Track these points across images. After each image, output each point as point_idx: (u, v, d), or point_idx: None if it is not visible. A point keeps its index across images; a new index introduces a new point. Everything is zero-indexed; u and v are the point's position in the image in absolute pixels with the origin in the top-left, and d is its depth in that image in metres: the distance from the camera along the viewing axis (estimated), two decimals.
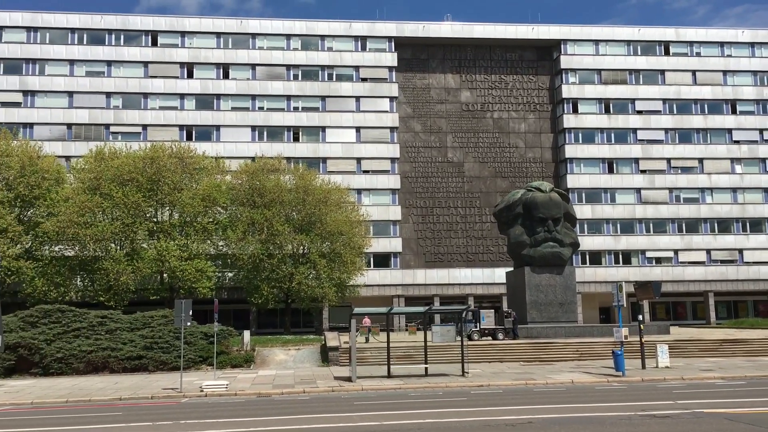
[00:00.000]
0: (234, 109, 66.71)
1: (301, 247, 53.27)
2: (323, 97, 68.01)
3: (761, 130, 71.37)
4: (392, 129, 68.17)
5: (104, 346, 33.69)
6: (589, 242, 66.98)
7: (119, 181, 49.44)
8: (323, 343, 38.34)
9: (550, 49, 72.05)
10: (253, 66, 67.62)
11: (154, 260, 48.56)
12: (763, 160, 70.93)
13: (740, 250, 69.62)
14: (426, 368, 29.60)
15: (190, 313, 27.76)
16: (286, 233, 51.77)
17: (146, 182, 49.74)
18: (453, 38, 70.25)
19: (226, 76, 67.33)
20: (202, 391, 25.21)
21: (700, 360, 34.34)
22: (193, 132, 65.78)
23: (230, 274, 57.26)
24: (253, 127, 66.64)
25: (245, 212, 52.51)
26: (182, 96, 66.28)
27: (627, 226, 69.38)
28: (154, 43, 66.85)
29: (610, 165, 70.09)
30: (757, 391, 22.36)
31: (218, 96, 66.70)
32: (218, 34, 67.68)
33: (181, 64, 66.66)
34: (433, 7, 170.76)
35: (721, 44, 72.74)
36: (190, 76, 66.76)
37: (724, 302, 71.94)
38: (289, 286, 52.49)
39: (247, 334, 38.56)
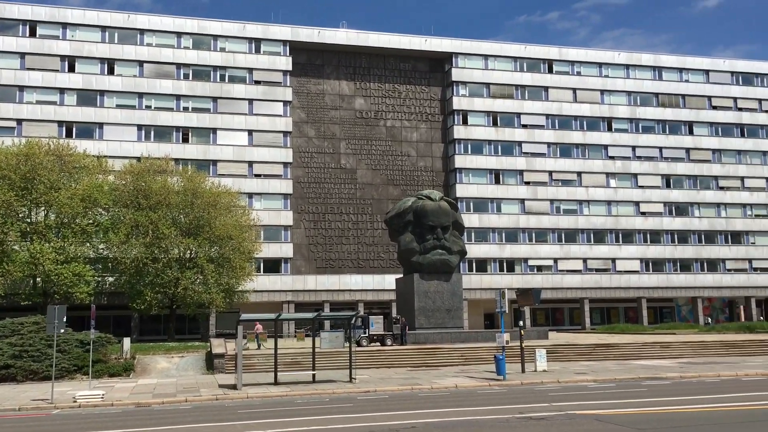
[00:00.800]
0: (119, 106, 63.93)
1: (188, 252, 51.71)
2: (215, 98, 66.48)
3: (633, 147, 76.23)
4: (285, 133, 67.60)
5: None
6: (476, 250, 69.07)
7: None
8: (209, 350, 37.39)
9: (442, 61, 73.89)
10: (141, 63, 65.13)
11: (26, 263, 45.67)
12: (635, 175, 75.75)
13: (613, 260, 73.98)
14: (314, 375, 29.47)
15: (65, 319, 26.33)
16: (173, 237, 50.09)
17: (20, 180, 46.72)
18: (348, 45, 70.62)
19: (111, 71, 64.45)
20: (75, 401, 23.90)
21: (576, 364, 36.13)
22: (74, 129, 62.44)
23: (111, 279, 54.69)
24: (140, 126, 64.12)
25: (129, 214, 50.36)
26: (62, 90, 62.81)
27: (511, 235, 72.10)
28: (33, 34, 63.01)
29: (497, 176, 72.65)
30: (626, 393, 23.78)
31: (102, 92, 63.71)
32: (103, 28, 64.68)
33: (62, 57, 63.19)
34: (328, 14, 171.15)
35: (600, 65, 77.19)
36: (72, 70, 63.40)
37: (598, 309, 76.20)
38: (174, 292, 50.78)
39: (127, 341, 36.99)
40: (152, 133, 64.39)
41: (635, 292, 73.91)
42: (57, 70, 62.83)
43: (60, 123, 62.03)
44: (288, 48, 68.89)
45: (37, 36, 62.97)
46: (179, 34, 66.53)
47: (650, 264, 74.85)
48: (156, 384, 29.54)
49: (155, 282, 50.15)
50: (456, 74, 72.68)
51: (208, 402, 24.20)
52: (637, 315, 74.68)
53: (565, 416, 18.35)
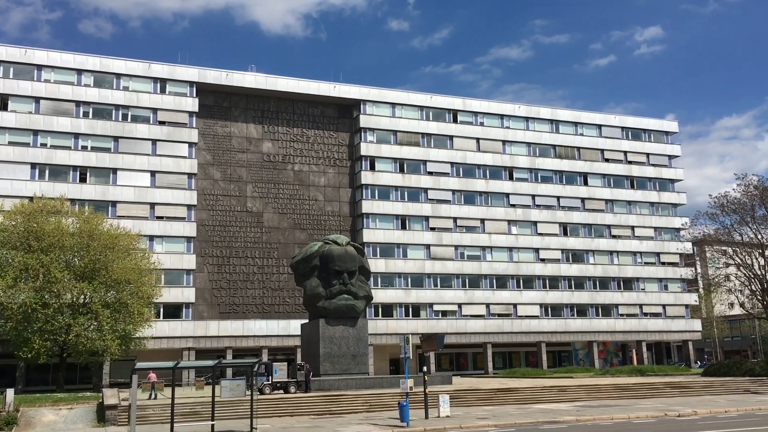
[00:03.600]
0: (12, 143, 60.89)
1: (82, 296, 49.11)
2: (116, 138, 64.51)
3: (533, 196, 79.36)
4: (190, 175, 66.25)
5: None
6: (382, 295, 69.30)
7: None
8: (101, 400, 35.41)
9: (350, 107, 74.95)
10: (37, 99, 62.54)
11: None
12: (535, 223, 78.70)
13: (514, 305, 76.02)
14: (212, 425, 28.43)
15: None
16: (66, 281, 47.55)
17: None
18: (256, 89, 70.52)
19: (4, 107, 61.52)
20: None
21: (478, 408, 36.58)
22: None
23: None
24: (33, 165, 61.19)
25: (18, 256, 47.49)
26: None
27: (417, 280, 72.93)
28: None
29: (403, 221, 73.69)
30: None
31: None
32: None
33: None
34: (237, 56, 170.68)
35: (501, 116, 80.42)
36: None
37: (501, 353, 77.79)
38: (65, 339, 47.98)
39: (10, 392, 34.50)
40: (47, 171, 61.59)
41: (535, 337, 76.00)
42: None
43: None
44: (195, 89, 68.05)
45: None
46: (80, 71, 64.50)
47: (549, 309, 77.39)
48: None
49: (44, 328, 47.19)
50: (364, 121, 73.80)
51: None
52: (537, 359, 76.68)
53: None
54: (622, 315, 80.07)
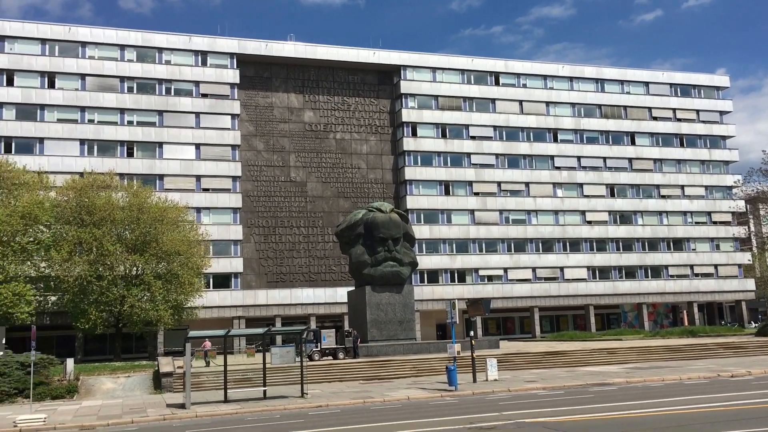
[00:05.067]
0: (60, 120, 62.32)
1: (135, 268, 50.49)
2: (160, 112, 65.42)
3: (579, 158, 77.97)
4: (234, 147, 66.92)
5: None
6: (426, 261, 69.39)
7: None
8: (156, 368, 36.53)
9: (391, 73, 74.36)
10: (83, 76, 63.69)
11: None
12: (580, 185, 77.42)
13: (561, 268, 75.31)
14: (264, 391, 29.07)
15: (4, 341, 25.46)
16: (118, 253, 48.88)
17: None
18: (296, 58, 70.46)
19: (51, 85, 62.84)
20: (15, 426, 23.03)
21: (526, 372, 36.55)
22: (13, 144, 60.58)
23: (53, 298, 52.99)
24: (82, 141, 62.61)
25: (72, 231, 48.96)
26: (0, 105, 60.89)
27: (462, 246, 72.73)
28: None
29: (447, 187, 73.30)
30: (574, 400, 24.16)
31: (42, 106, 62.02)
32: (43, 41, 63.07)
33: (0, 71, 61.32)
34: (276, 26, 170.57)
35: (545, 77, 78.82)
36: (10, 83, 61.56)
37: (548, 317, 77.42)
38: (120, 310, 49.50)
39: (70, 362, 35.86)
40: (95, 147, 62.94)
41: (583, 300, 75.34)
42: None
43: None
44: (235, 61, 68.35)
45: None
46: (123, 47, 65.34)
47: (597, 272, 76.47)
48: (101, 405, 28.70)
49: (100, 300, 48.78)
50: (404, 87, 73.21)
51: (155, 422, 23.63)
52: (585, 322, 76.11)
53: (515, 424, 18.53)
54: (672, 276, 78.68)
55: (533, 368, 38.29)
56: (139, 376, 36.41)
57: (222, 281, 64.70)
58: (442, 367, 35.84)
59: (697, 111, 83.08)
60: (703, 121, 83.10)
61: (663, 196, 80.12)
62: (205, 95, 66.83)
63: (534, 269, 74.41)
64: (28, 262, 48.62)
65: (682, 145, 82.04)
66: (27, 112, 61.55)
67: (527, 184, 75.78)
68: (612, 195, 78.50)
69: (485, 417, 20.30)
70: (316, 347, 40.21)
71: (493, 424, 18.80)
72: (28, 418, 23.66)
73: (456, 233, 72.54)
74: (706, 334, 54.65)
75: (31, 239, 48.22)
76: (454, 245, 72.46)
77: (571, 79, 79.79)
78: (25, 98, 61.41)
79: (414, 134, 73.00)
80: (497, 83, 77.05)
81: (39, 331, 29.36)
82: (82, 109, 63.16)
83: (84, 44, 64.29)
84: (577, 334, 64.95)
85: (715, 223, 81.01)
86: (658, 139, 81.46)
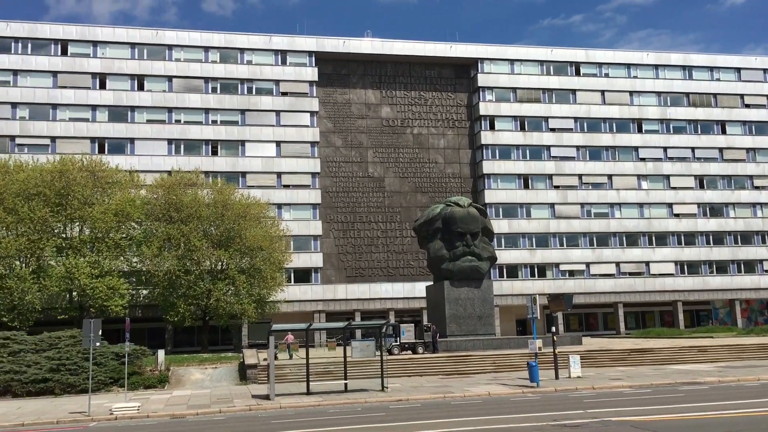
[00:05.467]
0: (149, 121, 64.93)
1: (220, 263, 52.16)
2: (242, 111, 67.18)
3: (665, 148, 75.13)
4: (313, 143, 67.99)
5: (6, 369, 31.95)
6: (506, 256, 68.55)
7: (25, 196, 47.15)
8: (241, 360, 37.63)
9: (468, 67, 73.72)
10: (170, 78, 66.11)
11: (62, 278, 46.44)
12: (667, 176, 74.61)
13: (647, 263, 72.80)
14: (345, 384, 29.47)
15: (100, 332, 26.78)
16: (204, 249, 50.59)
17: (54, 196, 47.64)
18: (373, 54, 70.87)
19: (141, 87, 65.54)
20: (112, 414, 24.23)
21: (610, 369, 35.60)
22: (106, 144, 63.58)
23: (145, 292, 55.43)
24: (170, 141, 65.05)
25: (161, 227, 51.02)
26: (94, 107, 64.03)
27: (542, 240, 71.45)
28: (64, 53, 64.36)
29: (526, 181, 72.12)
30: (662, 399, 23.35)
31: (133, 108, 64.80)
32: (132, 45, 65.84)
33: (93, 75, 64.43)
34: (353, 23, 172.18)
35: (628, 66, 76.30)
36: (103, 87, 64.62)
37: (633, 313, 75.04)
38: (206, 303, 51.24)
39: (161, 353, 37.42)
40: (182, 146, 65.27)
41: (670, 296, 72.63)
42: (88, 88, 64.07)
43: (92, 139, 63.21)
44: (314, 59, 69.37)
45: (69, 54, 64.31)
46: (206, 49, 67.42)
47: (685, 266, 73.56)
48: (190, 395, 29.81)
49: (188, 294, 50.69)
50: (482, 80, 72.44)
51: (241, 412, 24.34)
52: (672, 319, 73.38)
53: (600, 423, 18.08)
54: (767, 271, 74.79)
55: (618, 366, 37.27)
56: (225, 367, 37.60)
57: (302, 276, 65.92)
58: (522, 363, 35.37)
59: None
60: None
61: (757, 187, 76.21)
62: (284, 93, 68.17)
63: (618, 264, 72.25)
64: (121, 258, 51.03)
65: None
66: (118, 113, 64.46)
67: (610, 176, 73.62)
68: (701, 186, 75.25)
69: (569, 414, 19.90)
70: (396, 341, 40.43)
71: (578, 422, 18.41)
72: (123, 406, 24.84)
73: (536, 227, 71.28)
74: None
75: (124, 235, 50.57)
76: (533, 239, 71.25)
77: (656, 67, 76.91)
78: (116, 101, 64.32)
79: (492, 128, 72.16)
80: (578, 73, 75.14)
81: (132, 324, 30.71)
82: (170, 110, 65.59)
83: (170, 47, 66.70)
84: (664, 331, 62.69)
85: None
86: (751, 127, 77.52)
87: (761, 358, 38.63)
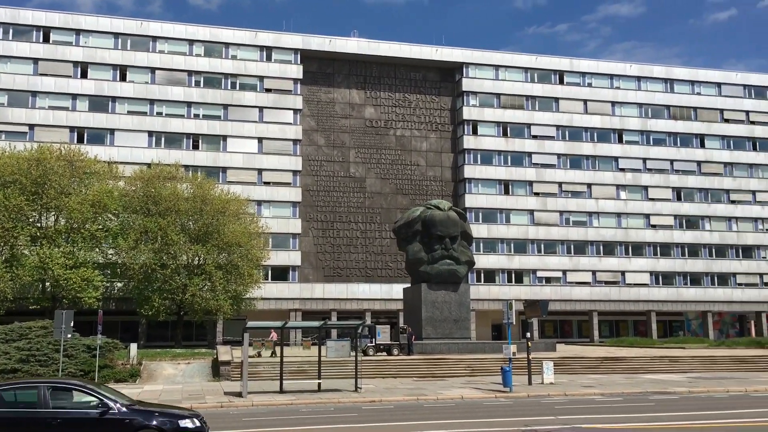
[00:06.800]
0: (130, 112, 64.32)
1: (197, 258, 51.78)
2: (225, 106, 66.76)
3: (644, 160, 75.91)
4: (295, 141, 67.77)
5: None
6: (484, 261, 68.81)
7: (0, 183, 46.48)
8: (215, 357, 37.37)
9: (453, 71, 73.94)
10: (153, 69, 65.53)
11: (35, 267, 45.80)
12: (645, 187, 75.40)
13: (623, 273, 73.49)
14: (319, 383, 29.37)
15: (72, 324, 26.46)
16: (181, 243, 50.21)
17: (30, 185, 46.96)
18: (359, 54, 70.81)
19: (123, 78, 64.89)
20: None
21: (583, 377, 35.85)
22: (85, 134, 62.86)
23: (119, 284, 54.93)
24: (150, 133, 64.47)
25: (138, 220, 50.55)
26: (74, 96, 63.28)
27: (520, 246, 71.83)
28: (46, 40, 63.55)
29: (506, 186, 72.48)
30: (632, 407, 23.56)
31: (114, 98, 64.14)
32: (116, 35, 65.19)
33: (75, 63, 63.69)
34: (339, 22, 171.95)
35: (611, 76, 77.00)
36: (84, 76, 63.87)
37: (607, 321, 75.71)
38: (182, 298, 50.85)
39: (134, 347, 37.03)
40: (163, 139, 64.72)
41: (644, 305, 73.39)
42: (69, 76, 63.31)
43: (72, 128, 62.47)
44: (299, 56, 69.15)
45: (51, 42, 63.52)
46: (191, 42, 66.93)
47: (660, 277, 74.38)
48: (162, 390, 29.53)
49: (163, 288, 50.25)
50: (466, 84, 72.71)
51: (212, 409, 24.14)
52: (646, 328, 74.14)
53: (571, 429, 18.18)
54: (740, 284, 75.85)
55: (591, 373, 37.54)
56: (198, 363, 37.30)
57: (280, 274, 65.66)
58: (496, 367, 35.45)
59: None
60: None
61: (733, 201, 77.30)
62: (268, 90, 67.89)
63: (594, 272, 72.87)
64: (97, 249, 50.47)
65: (754, 148, 78.91)
66: (99, 103, 63.75)
67: (589, 185, 74.25)
68: (678, 199, 76.16)
69: (540, 420, 20.00)
70: (371, 342, 40.42)
71: (549, 428, 18.50)
72: None
73: (515, 233, 71.67)
74: None
75: (100, 227, 49.96)
76: (512, 245, 71.62)
77: (638, 78, 77.72)
78: (97, 90, 63.61)
79: (474, 132, 72.43)
80: (561, 82, 75.69)
81: (105, 316, 30.39)
82: (151, 102, 65.01)
83: (155, 39, 66.13)
84: (637, 340, 63.30)
85: None
86: (729, 141, 78.60)
87: (731, 370, 39.13)
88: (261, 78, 67.93)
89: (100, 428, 14.03)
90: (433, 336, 43.48)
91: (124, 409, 14.24)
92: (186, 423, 14.27)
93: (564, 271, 72.21)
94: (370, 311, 66.73)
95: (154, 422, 14.13)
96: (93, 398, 14.30)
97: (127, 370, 33.48)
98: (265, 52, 68.63)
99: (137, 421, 14.06)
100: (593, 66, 77.07)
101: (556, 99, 75.03)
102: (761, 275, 76.44)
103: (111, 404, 14.16)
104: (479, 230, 68.03)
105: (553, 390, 28.86)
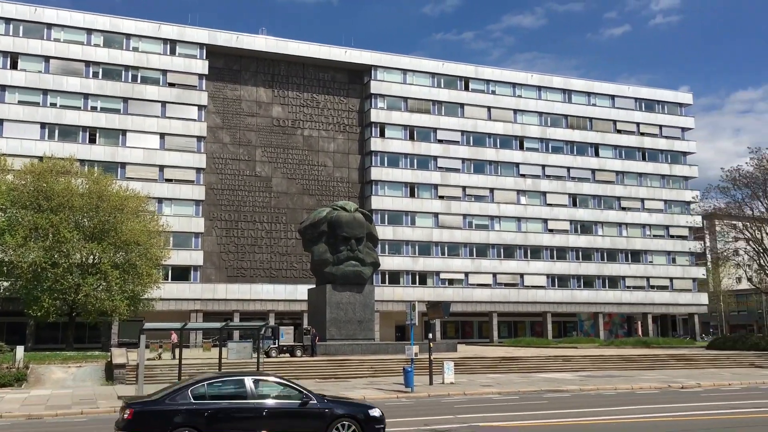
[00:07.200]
0: (21, 102, 60.84)
1: (91, 257, 49.46)
2: (125, 99, 64.30)
3: (543, 166, 78.89)
4: (199, 138, 66.12)
5: None
6: (389, 262, 69.45)
7: None
8: (109, 359, 35.89)
9: (361, 73, 74.28)
10: (47, 58, 62.27)
11: None
12: (544, 193, 78.37)
13: (521, 275, 76.09)
14: None
15: None
16: (75, 241, 47.85)
17: None
18: (267, 52, 69.93)
19: (14, 66, 61.30)
20: None
21: (482, 376, 36.80)
22: None
23: (6, 284, 51.67)
24: (43, 124, 61.19)
25: (28, 216, 47.74)
26: None
27: (424, 249, 73.00)
28: None
29: (412, 189, 73.50)
30: (528, 405, 24.41)
31: (3, 87, 60.51)
32: (8, 20, 61.52)
33: None
34: (247, 19, 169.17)
35: (513, 85, 79.57)
36: None
37: (506, 322, 78.17)
38: (74, 298, 48.45)
39: (20, 349, 34.99)
40: (56, 132, 61.59)
41: (541, 307, 76.24)
42: None
43: None
44: (205, 51, 67.53)
45: None
46: (90, 31, 64.05)
47: (556, 279, 77.48)
48: (50, 395, 28.06)
49: (54, 288, 47.66)
50: (375, 87, 73.21)
51: (105, 414, 23.14)
52: (542, 329, 76.99)
53: (469, 428, 18.63)
54: (628, 287, 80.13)
55: (490, 373, 38.58)
56: (90, 366, 35.69)
57: (181, 274, 63.85)
58: (399, 368, 35.80)
59: (660, 126, 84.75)
60: (666, 137, 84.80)
61: (623, 208, 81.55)
62: (172, 85, 65.90)
63: (494, 275, 75.04)
64: None
65: (644, 158, 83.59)
66: None
67: (492, 189, 76.41)
68: (574, 205, 79.63)
69: (440, 419, 20.38)
70: (274, 344, 39.96)
71: (448, 427, 18.88)
72: None
73: (419, 235, 72.76)
74: (659, 346, 55.75)
75: None
76: (417, 247, 72.68)
77: (539, 88, 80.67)
78: None
79: (382, 135, 73.04)
80: (467, 88, 77.52)
81: None
82: (45, 92, 61.75)
83: (49, 26, 62.84)
84: (534, 340, 65.67)
85: (672, 236, 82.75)
86: (621, 151, 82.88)
87: (619, 369, 41.21)
88: (164, 72, 65.87)
89: (303, 418, 14.96)
90: (337, 337, 43.47)
91: (321, 400, 15.27)
92: (375, 412, 15.46)
93: (466, 273, 73.97)
94: (274, 312, 65.99)
95: (350, 411, 15.27)
96: (293, 390, 15.28)
97: (12, 374, 31.59)
98: (168, 46, 66.59)
99: (333, 410, 15.12)
100: (497, 74, 79.38)
101: (462, 105, 76.77)
102: (648, 279, 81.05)
103: (310, 395, 15.15)
104: (385, 232, 68.62)
105: (453, 389, 29.46)
